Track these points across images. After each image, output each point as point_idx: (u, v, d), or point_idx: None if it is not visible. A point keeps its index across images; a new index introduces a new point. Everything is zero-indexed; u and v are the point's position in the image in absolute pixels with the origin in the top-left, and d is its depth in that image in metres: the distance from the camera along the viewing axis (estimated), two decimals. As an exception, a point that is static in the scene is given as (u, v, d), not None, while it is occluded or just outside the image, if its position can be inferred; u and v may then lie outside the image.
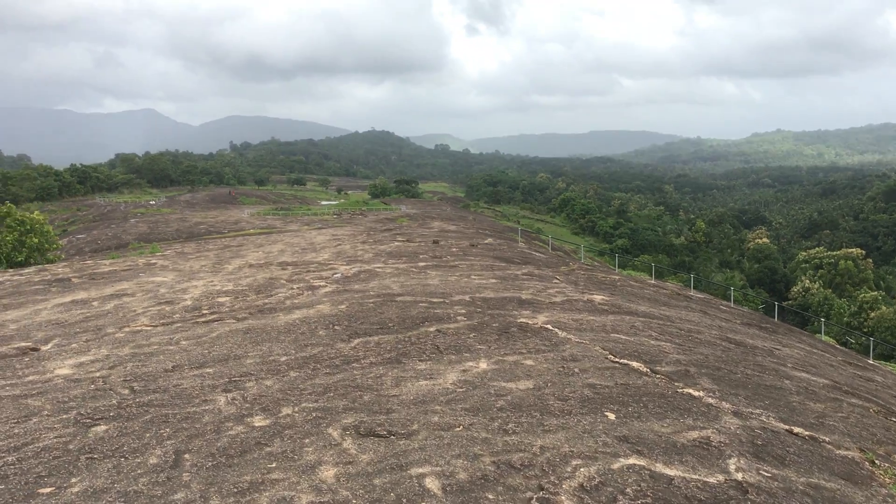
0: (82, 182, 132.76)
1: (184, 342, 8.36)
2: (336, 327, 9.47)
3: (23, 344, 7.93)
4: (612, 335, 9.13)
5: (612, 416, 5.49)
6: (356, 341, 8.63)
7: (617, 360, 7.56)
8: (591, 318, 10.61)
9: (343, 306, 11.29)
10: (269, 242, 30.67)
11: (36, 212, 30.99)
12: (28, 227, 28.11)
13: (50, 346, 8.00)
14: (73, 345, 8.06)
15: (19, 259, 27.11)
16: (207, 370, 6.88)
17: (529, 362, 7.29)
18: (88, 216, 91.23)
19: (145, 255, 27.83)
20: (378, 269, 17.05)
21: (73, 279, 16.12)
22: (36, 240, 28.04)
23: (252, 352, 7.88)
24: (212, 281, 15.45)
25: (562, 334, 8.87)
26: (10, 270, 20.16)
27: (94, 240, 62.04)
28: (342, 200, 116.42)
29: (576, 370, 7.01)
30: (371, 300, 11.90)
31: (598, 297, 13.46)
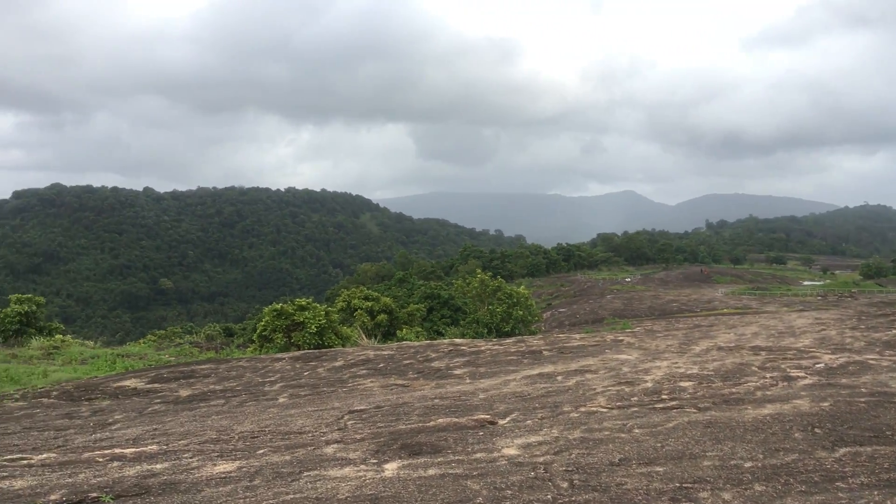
0: (566, 259, 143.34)
1: (637, 430, 7.71)
2: (816, 430, 7.92)
3: (483, 416, 8.07)
4: None
5: None
6: (842, 451, 7.03)
7: None
8: None
9: (826, 403, 9.55)
10: (742, 324, 28.68)
11: (522, 286, 33.67)
12: (515, 301, 30.57)
13: (507, 420, 8.01)
14: (528, 421, 7.96)
15: (506, 329, 29.58)
16: (657, 469, 6.09)
17: None
18: (570, 291, 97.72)
19: (614, 331, 28.19)
20: (871, 362, 14.40)
21: (544, 352, 16.74)
22: (521, 312, 30.33)
23: (711, 451, 6.88)
24: (676, 362, 14.64)
25: None
26: (494, 339, 21.96)
27: (573, 314, 65.88)
28: (828, 281, 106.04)
29: None
30: (862, 399, 9.88)
31: None
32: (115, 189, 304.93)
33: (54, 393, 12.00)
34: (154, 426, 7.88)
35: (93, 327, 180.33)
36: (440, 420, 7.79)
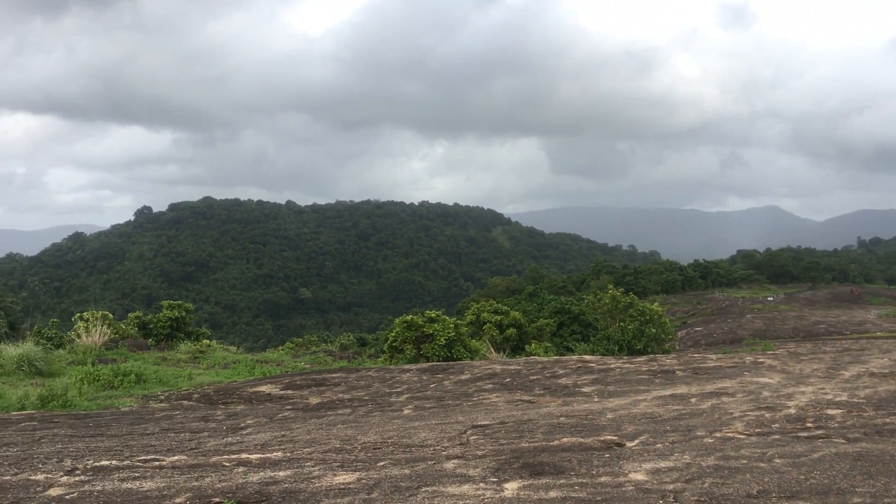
0: (703, 277, 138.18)
1: (777, 460, 7.18)
2: None
3: (610, 437, 7.76)
4: None
5: None
6: None
7: None
8: None
9: None
10: (899, 348, 26.57)
11: (656, 303, 32.63)
12: (647, 318, 29.63)
13: (635, 442, 7.67)
14: (658, 445, 7.59)
15: (637, 347, 28.71)
16: (799, 503, 5.64)
17: None
18: (707, 310, 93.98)
19: (754, 353, 26.76)
20: None
21: (677, 371, 16.07)
22: (653, 330, 29.34)
23: (861, 486, 6.31)
24: (822, 388, 13.66)
25: None
26: (625, 357, 21.32)
27: (709, 333, 63.23)
28: None
29: None
30: None
31: None
32: (259, 202, 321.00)
33: (195, 395, 12.59)
34: (282, 432, 8.08)
35: (238, 333, 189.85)
36: (565, 439, 7.56)
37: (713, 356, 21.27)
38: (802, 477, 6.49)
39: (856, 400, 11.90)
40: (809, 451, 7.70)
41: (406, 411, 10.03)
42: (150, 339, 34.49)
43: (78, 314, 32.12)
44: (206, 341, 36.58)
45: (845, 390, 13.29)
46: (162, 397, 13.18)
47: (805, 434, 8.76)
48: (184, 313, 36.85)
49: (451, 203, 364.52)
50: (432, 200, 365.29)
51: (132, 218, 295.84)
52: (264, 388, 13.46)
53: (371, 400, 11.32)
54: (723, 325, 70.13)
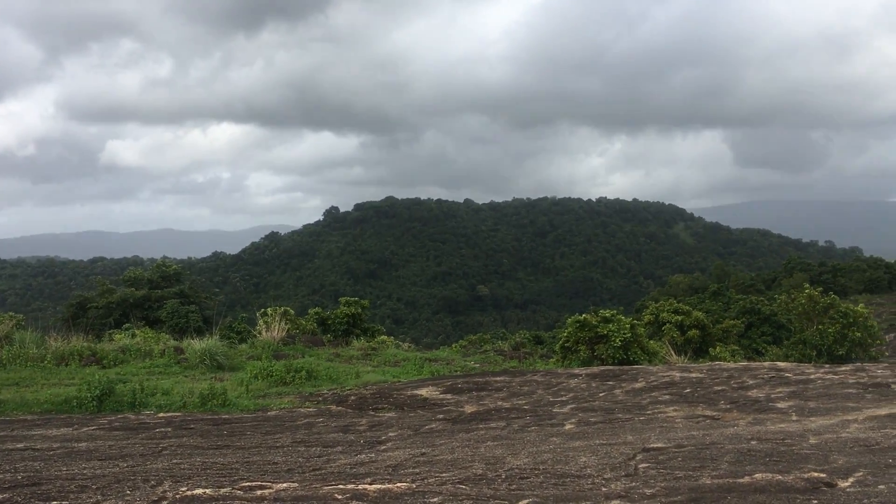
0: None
1: None
2: None
3: (816, 473, 6.29)
4: None
5: None
6: None
7: None
8: None
9: None
10: None
11: (860, 304, 29.22)
12: (851, 320, 26.54)
13: (850, 482, 6.16)
14: (881, 486, 6.04)
15: (839, 353, 25.78)
16: None
17: None
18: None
19: None
20: None
21: (892, 385, 13.80)
22: (858, 334, 26.24)
23: None
24: None
25: None
26: (827, 366, 18.90)
27: (924, 338, 56.74)
28: None
29: None
30: None
31: None
32: (439, 201, 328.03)
33: (352, 398, 12.15)
34: (423, 450, 7.26)
35: (418, 329, 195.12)
36: (757, 474, 6.18)
37: (937, 367, 18.39)
38: None
39: None
40: None
41: (567, 426, 8.93)
42: (328, 335, 35.38)
43: (262, 310, 33.50)
44: (382, 337, 37.09)
45: None
46: (323, 397, 12.89)
47: None
48: (359, 309, 37.54)
49: (629, 199, 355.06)
50: (610, 196, 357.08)
51: (321, 218, 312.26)
52: (423, 392, 12.81)
53: (531, 410, 10.30)
54: (940, 328, 62.72)
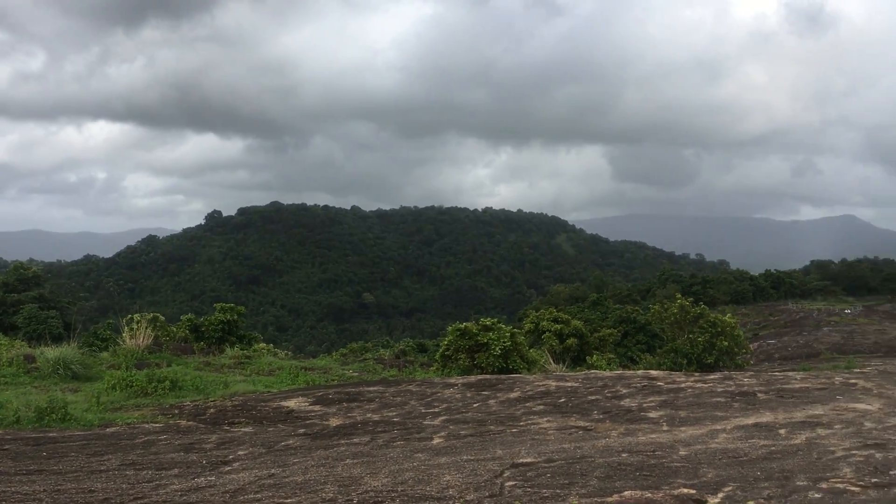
0: (775, 287, 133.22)
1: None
2: None
3: (686, 490, 6.04)
4: None
5: None
6: None
7: None
8: None
9: None
10: None
11: (728, 314, 30.32)
12: (719, 330, 27.43)
13: (719, 498, 5.94)
14: (750, 502, 5.85)
15: (708, 361, 26.58)
16: None
17: None
18: (780, 321, 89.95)
19: (839, 370, 24.35)
20: None
21: (758, 394, 14.09)
22: (726, 343, 27.14)
23: None
24: (938, 419, 11.57)
25: None
26: (697, 374, 19.32)
27: (783, 346, 59.99)
28: None
29: None
30: None
31: None
32: (325, 207, 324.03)
33: (211, 410, 11.28)
34: (272, 471, 6.59)
35: (302, 337, 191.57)
36: (626, 492, 5.87)
37: (797, 375, 19.08)
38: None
39: (985, 437, 9.86)
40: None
41: (436, 440, 8.45)
42: (202, 343, 33.75)
43: (129, 316, 31.55)
44: (259, 345, 35.72)
45: (964, 422, 11.20)
46: (183, 409, 11.94)
47: (939, 488, 6.87)
48: (235, 316, 36.03)
49: (514, 209, 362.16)
50: (496, 207, 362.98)
51: (203, 222, 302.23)
52: (292, 403, 12.07)
53: (400, 423, 9.78)
54: (797, 337, 66.52)
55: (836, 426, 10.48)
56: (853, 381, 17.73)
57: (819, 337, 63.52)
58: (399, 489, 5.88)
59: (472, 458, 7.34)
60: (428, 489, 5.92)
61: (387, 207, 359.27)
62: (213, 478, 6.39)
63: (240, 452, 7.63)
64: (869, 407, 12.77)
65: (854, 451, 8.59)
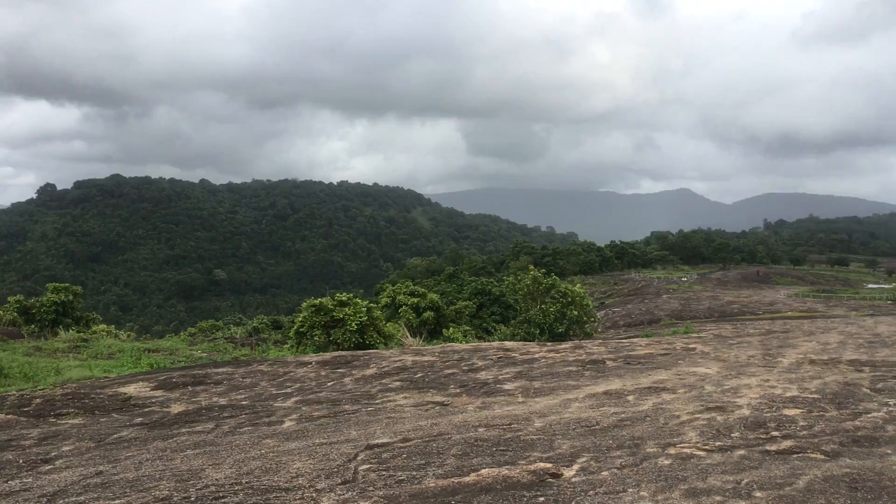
0: (620, 257, 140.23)
1: (758, 493, 5.51)
2: None
3: (542, 464, 5.96)
4: None
5: None
6: None
7: None
8: None
9: None
10: (819, 330, 25.96)
11: (578, 285, 31.37)
12: (569, 300, 28.31)
13: (574, 469, 5.90)
14: (604, 472, 5.84)
15: (559, 330, 27.38)
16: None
17: None
18: (624, 290, 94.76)
19: (678, 335, 25.73)
20: None
21: (607, 361, 14.54)
22: (576, 312, 28.06)
23: (881, 536, 4.73)
24: (767, 380, 12.29)
25: None
26: (549, 344, 19.78)
27: (627, 314, 63.19)
28: (895, 285, 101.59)
29: None
30: None
31: None
32: (172, 180, 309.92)
33: (37, 400, 10.28)
34: (101, 467, 5.97)
35: (149, 316, 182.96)
36: (483, 470, 5.72)
37: (642, 342, 19.94)
38: (804, 528, 4.82)
39: (809, 395, 10.53)
40: (790, 475, 6.09)
41: (287, 424, 8.02)
42: (33, 326, 31.34)
43: (-52, 299, 28.76)
44: (101, 327, 33.58)
45: (792, 382, 11.96)
46: (6, 400, 10.81)
47: (774, 448, 7.17)
48: (71, 297, 33.71)
49: (370, 183, 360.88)
50: (352, 180, 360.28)
51: (35, 196, 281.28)
52: (131, 388, 11.22)
53: (249, 407, 9.25)
54: (640, 305, 70.31)
55: (679, 391, 10.90)
56: (692, 345, 18.72)
57: (659, 304, 67.45)
58: (244, 481, 5.44)
59: (325, 441, 6.98)
60: (276, 479, 5.52)
61: (238, 181, 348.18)
62: (30, 479, 5.68)
63: (64, 448, 6.88)
64: (708, 371, 13.44)
65: (697, 415, 8.91)
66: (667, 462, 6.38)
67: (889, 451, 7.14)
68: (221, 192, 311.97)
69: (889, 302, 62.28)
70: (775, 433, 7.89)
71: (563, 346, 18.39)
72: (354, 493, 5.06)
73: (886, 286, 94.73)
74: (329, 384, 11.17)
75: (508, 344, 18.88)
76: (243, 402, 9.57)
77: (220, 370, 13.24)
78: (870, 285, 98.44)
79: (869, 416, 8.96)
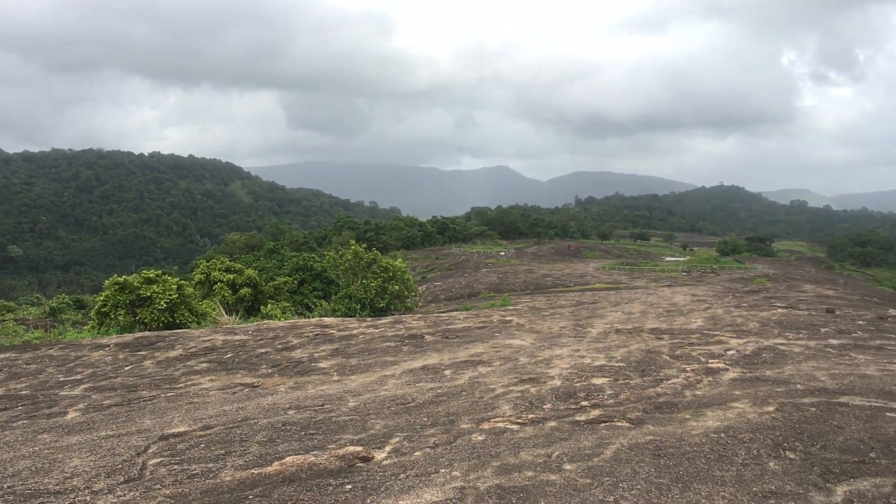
0: (441, 232, 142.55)
1: (567, 466, 5.51)
2: (788, 453, 6.01)
3: (353, 447, 5.65)
4: None
5: None
6: (840, 490, 5.14)
7: None
8: None
9: (771, 408, 7.73)
10: (624, 301, 27.57)
11: (399, 259, 31.34)
12: (391, 274, 28.22)
13: (386, 451, 5.63)
14: (417, 453, 5.62)
15: (381, 305, 27.25)
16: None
17: None
18: (445, 264, 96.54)
19: (495, 308, 26.39)
20: (781, 347, 12.93)
21: (426, 336, 14.48)
22: (397, 287, 28.03)
23: (681, 501, 4.82)
24: (577, 350, 12.71)
25: None
26: (370, 319, 19.54)
27: (448, 287, 64.36)
28: (689, 257, 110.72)
29: None
30: (806, 400, 8.14)
31: None
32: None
33: None
34: None
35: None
36: (288, 458, 5.32)
37: (461, 315, 20.16)
38: (610, 498, 4.82)
39: (616, 364, 10.94)
40: (598, 445, 6.17)
41: (71, 415, 7.19)
42: None
43: None
44: None
45: (600, 352, 12.42)
46: None
47: (583, 418, 7.29)
48: None
49: (185, 155, 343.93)
50: (165, 151, 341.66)
51: None
52: None
53: (29, 396, 8.26)
54: (460, 279, 71.88)
55: (495, 363, 10.98)
56: (509, 318, 19.16)
57: (479, 278, 69.28)
58: (6, 486, 4.70)
59: (113, 433, 6.28)
60: (46, 480, 4.82)
61: (35, 150, 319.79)
62: None
63: None
64: (523, 342, 13.71)
65: (511, 388, 8.96)
66: (480, 438, 6.28)
67: (688, 416, 7.45)
68: (16, 161, 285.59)
69: (684, 273, 67.61)
70: (584, 403, 8.05)
71: (382, 321, 18.20)
72: (137, 494, 4.50)
73: (682, 259, 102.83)
74: (127, 368, 10.27)
75: (327, 320, 18.45)
76: (23, 392, 8.54)
77: (1, 356, 11.87)
78: (667, 258, 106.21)
79: (669, 382, 9.39)
